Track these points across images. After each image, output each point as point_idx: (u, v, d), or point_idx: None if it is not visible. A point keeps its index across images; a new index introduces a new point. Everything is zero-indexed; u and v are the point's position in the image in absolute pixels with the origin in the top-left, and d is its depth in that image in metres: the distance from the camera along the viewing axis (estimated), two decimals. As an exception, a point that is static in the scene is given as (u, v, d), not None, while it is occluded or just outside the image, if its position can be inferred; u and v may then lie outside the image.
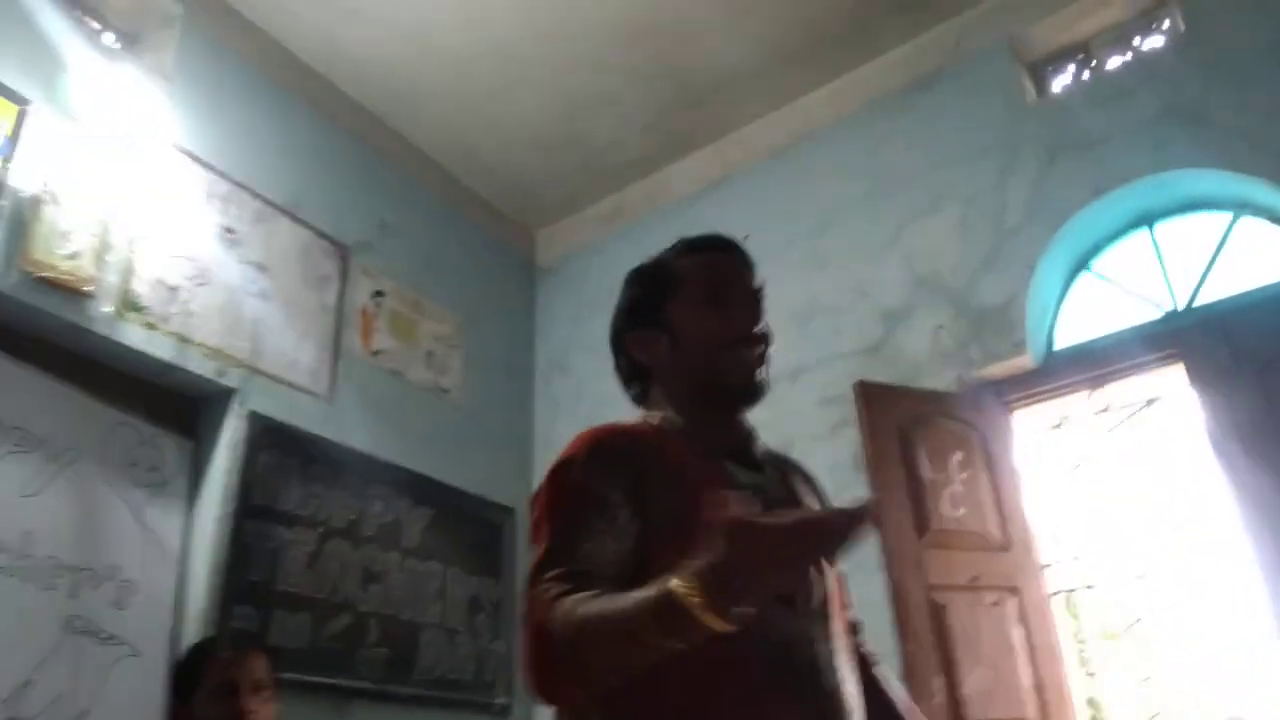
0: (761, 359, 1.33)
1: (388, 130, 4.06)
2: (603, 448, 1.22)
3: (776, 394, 3.77)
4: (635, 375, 1.41)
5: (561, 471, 1.21)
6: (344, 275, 3.65)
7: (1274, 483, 2.64)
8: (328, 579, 3.13)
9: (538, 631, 1.02)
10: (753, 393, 1.32)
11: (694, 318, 1.33)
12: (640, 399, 1.41)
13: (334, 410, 3.40)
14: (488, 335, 4.31)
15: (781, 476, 1.37)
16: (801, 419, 3.51)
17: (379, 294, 3.79)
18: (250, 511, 2.96)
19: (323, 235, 3.61)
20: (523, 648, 1.05)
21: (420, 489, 3.59)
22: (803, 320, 3.70)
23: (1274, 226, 3.03)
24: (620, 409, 1.44)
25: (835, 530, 0.91)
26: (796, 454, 3.50)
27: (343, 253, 3.68)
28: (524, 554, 3.93)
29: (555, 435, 4.24)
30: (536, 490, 1.24)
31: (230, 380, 3.08)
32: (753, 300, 1.38)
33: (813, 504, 1.37)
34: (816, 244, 3.83)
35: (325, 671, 3.00)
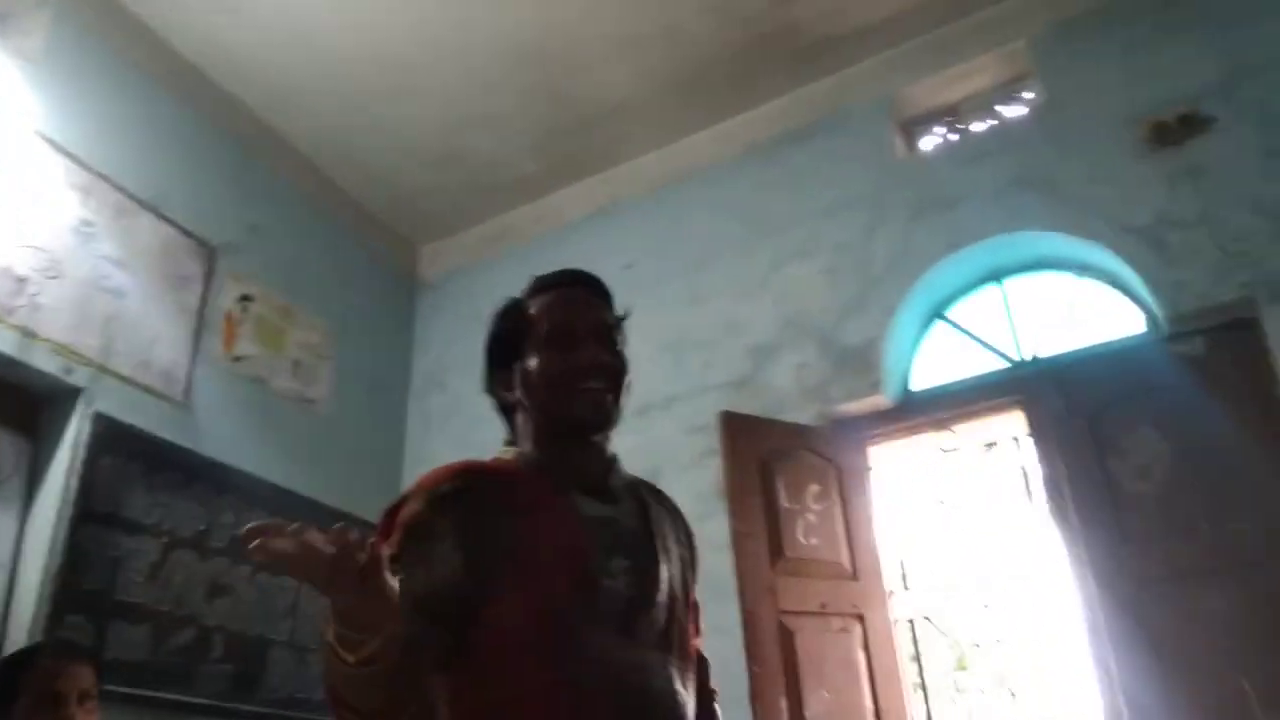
0: (606, 391, 1.35)
1: (264, 130, 3.96)
2: (436, 482, 1.26)
3: (648, 421, 3.86)
4: (504, 410, 1.43)
5: (400, 507, 1.24)
6: (208, 277, 3.53)
7: (1094, 521, 2.86)
8: (171, 591, 3.00)
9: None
10: (597, 423, 1.34)
11: (538, 358, 1.35)
12: (511, 433, 1.42)
13: (188, 415, 3.28)
14: (361, 347, 4.23)
15: (640, 508, 1.38)
16: (670, 447, 3.58)
17: (246, 298, 3.68)
18: (89, 517, 2.82)
19: (187, 234, 3.49)
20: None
21: (277, 501, 3.48)
22: (676, 352, 3.79)
23: (1110, 289, 3.29)
24: (496, 428, 1.46)
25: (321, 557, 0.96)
26: (664, 480, 3.54)
27: (208, 253, 3.56)
28: (383, 572, 3.86)
29: (428, 452, 4.18)
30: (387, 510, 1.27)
31: (77, 379, 2.94)
32: (599, 334, 1.39)
33: (670, 536, 1.39)
34: (693, 279, 3.93)
35: (165, 686, 2.89)
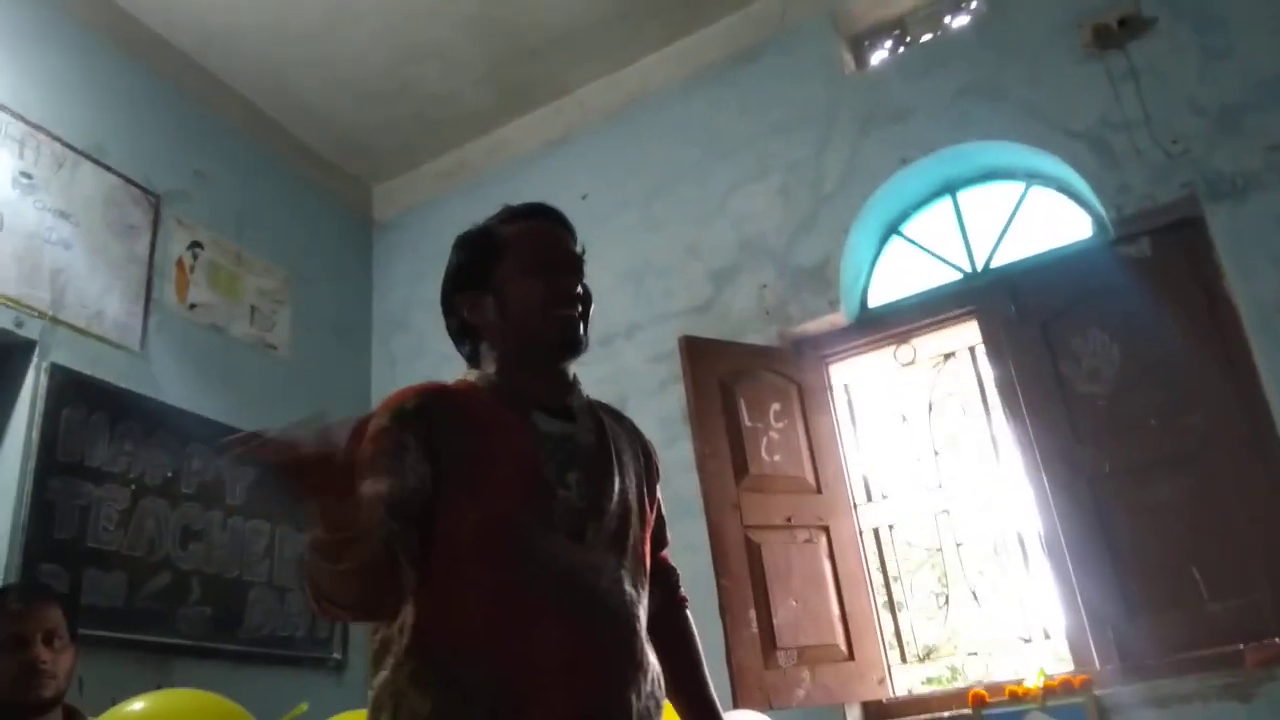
0: (580, 318, 1.43)
1: (203, 74, 3.86)
2: (400, 401, 1.32)
3: (612, 350, 3.90)
4: (464, 334, 1.48)
5: (366, 425, 1.29)
6: (155, 225, 3.47)
7: (1048, 423, 2.94)
8: (143, 537, 3.01)
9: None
10: (570, 348, 1.42)
11: (518, 283, 1.41)
12: (471, 358, 1.48)
13: (146, 364, 3.25)
14: (319, 291, 4.20)
15: (598, 425, 1.45)
16: (635, 375, 3.62)
17: (196, 245, 3.63)
18: (54, 468, 2.81)
19: (131, 182, 3.42)
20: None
21: (244, 447, 3.48)
22: (636, 280, 3.80)
23: (1060, 196, 3.33)
24: (459, 366, 1.50)
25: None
26: (630, 408, 3.59)
27: (154, 201, 3.49)
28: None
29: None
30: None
31: (29, 331, 2.90)
32: (573, 265, 1.47)
33: (626, 452, 1.46)
34: (650, 206, 3.93)
35: (144, 629, 2.92)
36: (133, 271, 3.33)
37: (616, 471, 1.42)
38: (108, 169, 3.34)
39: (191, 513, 3.21)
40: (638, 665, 1.30)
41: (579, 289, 1.44)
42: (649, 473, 1.50)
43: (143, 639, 2.91)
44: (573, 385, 1.46)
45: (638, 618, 1.33)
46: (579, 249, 1.50)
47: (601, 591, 1.29)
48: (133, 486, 3.02)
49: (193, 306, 3.54)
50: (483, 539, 1.25)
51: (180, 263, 3.54)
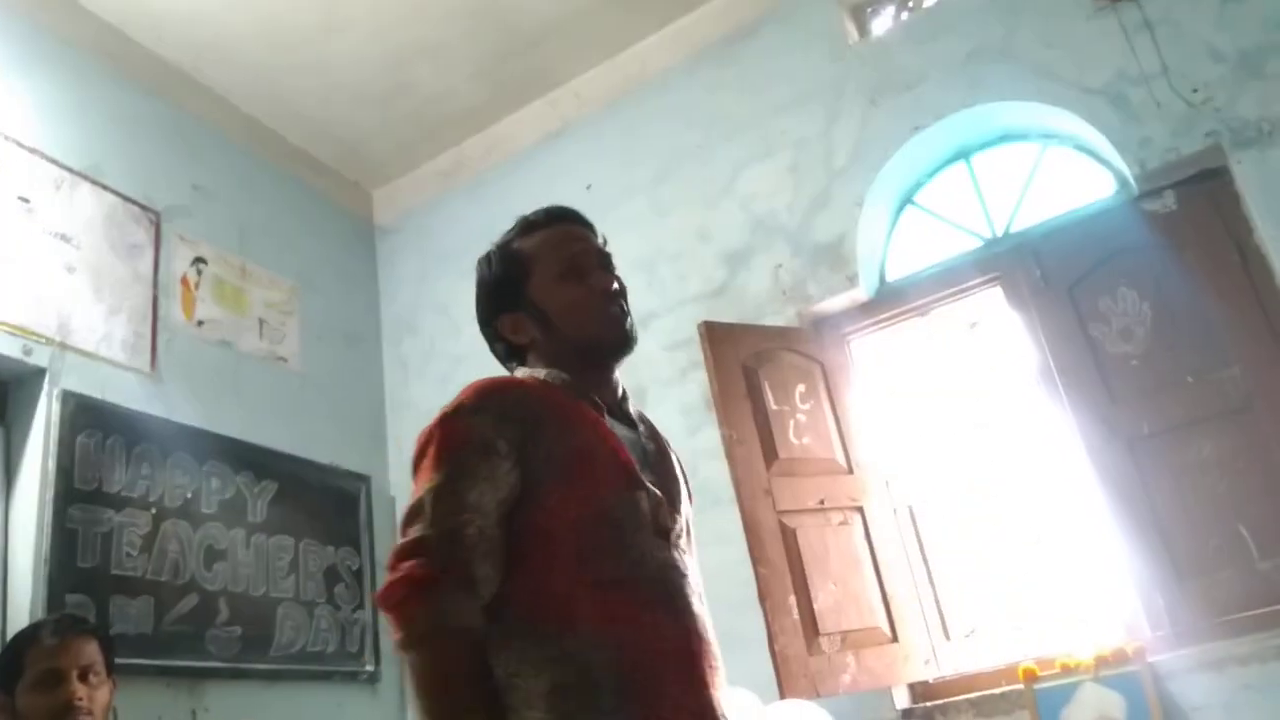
0: (625, 311, 1.43)
1: (195, 87, 3.79)
2: (494, 397, 1.30)
3: (627, 341, 3.79)
4: (511, 357, 1.47)
5: (453, 417, 1.28)
6: (158, 242, 3.41)
7: (1081, 387, 2.87)
8: (168, 561, 2.96)
9: (417, 587, 1.15)
10: (626, 343, 1.42)
11: (556, 292, 1.40)
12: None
13: (158, 385, 3.20)
14: (326, 299, 4.14)
15: (652, 434, 1.46)
16: (653, 365, 3.56)
17: (200, 261, 3.57)
18: (74, 496, 2.76)
19: (130, 201, 3.36)
20: (394, 572, 1.17)
21: (263, 462, 3.44)
22: (648, 268, 3.73)
23: (1078, 154, 3.25)
24: (474, 367, 1.48)
25: None
26: (651, 398, 3.54)
27: (154, 219, 3.43)
28: (383, 520, 3.85)
29: (408, 398, 4.14)
30: (425, 431, 1.31)
31: (38, 359, 2.85)
32: (603, 260, 1.46)
33: (678, 468, 1.47)
34: (657, 192, 3.86)
35: (174, 654, 2.87)
36: (138, 291, 3.27)
37: (679, 479, 1.44)
38: (106, 189, 3.28)
39: (214, 533, 3.16)
40: (719, 670, 1.30)
41: (617, 282, 1.43)
42: (689, 484, 1.51)
43: (174, 664, 2.86)
44: (626, 392, 1.46)
45: (709, 621, 1.33)
46: (603, 242, 1.49)
47: (689, 592, 1.30)
48: (153, 510, 2.97)
49: (200, 323, 3.48)
50: (584, 534, 1.24)
51: (185, 280, 3.48)
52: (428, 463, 1.25)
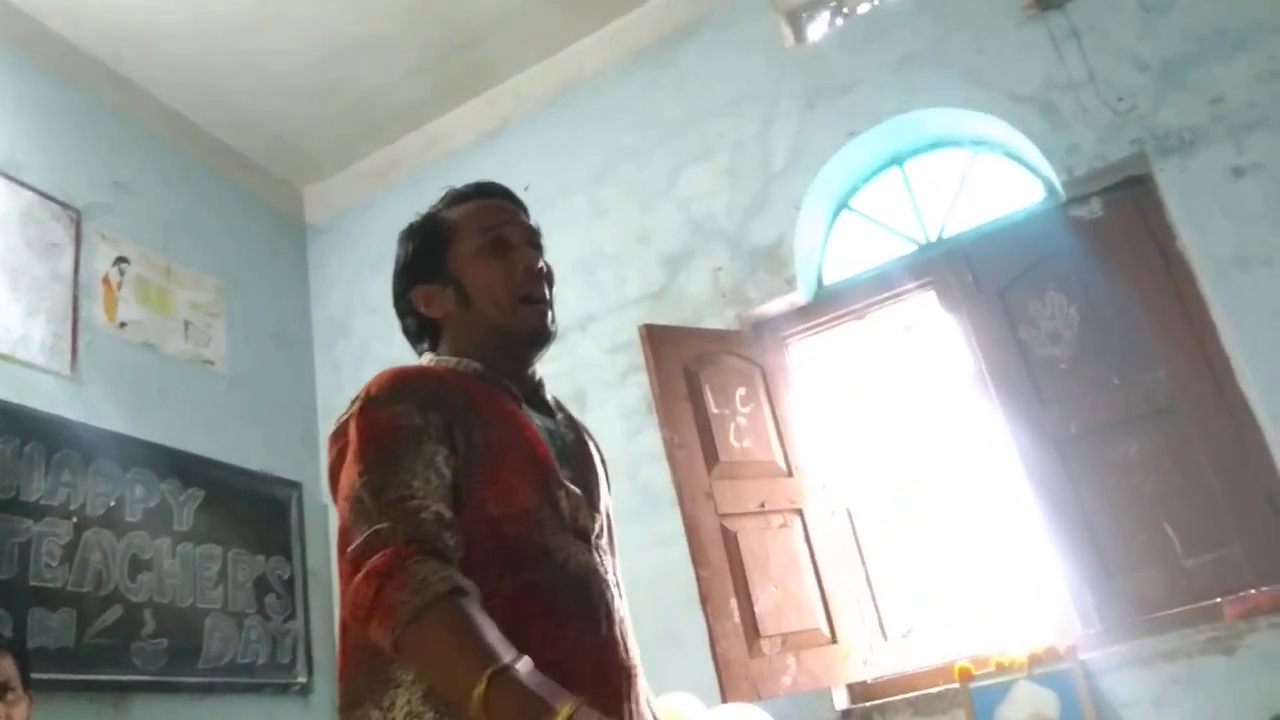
0: (545, 299, 1.35)
1: (118, 80, 3.66)
2: (411, 384, 1.21)
3: (568, 345, 3.80)
4: (423, 332, 1.39)
5: (373, 408, 1.19)
6: (78, 241, 3.28)
7: (1011, 388, 2.94)
8: (90, 571, 2.85)
9: (388, 575, 1.03)
10: (543, 337, 1.34)
11: (476, 266, 1.32)
12: (430, 350, 1.40)
13: (78, 389, 3.07)
14: (255, 300, 4.03)
15: (570, 423, 1.39)
16: (593, 368, 3.54)
17: (122, 260, 3.44)
18: (-12, 506, 2.64)
19: (49, 198, 3.22)
20: (353, 574, 1.06)
21: (189, 469, 3.32)
22: (588, 270, 3.71)
23: (1008, 161, 3.32)
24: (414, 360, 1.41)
25: None
26: (590, 402, 3.50)
27: (75, 216, 3.30)
28: (315, 528, 3.75)
29: (340, 401, 3.96)
30: (338, 428, 1.23)
31: (-52, 362, 2.72)
32: (531, 239, 1.38)
33: (596, 458, 1.40)
34: (595, 193, 3.84)
35: (98, 668, 2.77)
36: (57, 291, 3.14)
37: (599, 471, 1.37)
38: (23, 185, 3.14)
39: (138, 542, 3.04)
40: (637, 677, 1.25)
41: (542, 263, 1.35)
42: (608, 476, 1.44)
43: (98, 678, 2.75)
44: (541, 380, 1.38)
45: (629, 624, 1.27)
46: (534, 223, 1.42)
47: (609, 597, 1.23)
48: (74, 519, 2.85)
49: (123, 325, 3.35)
50: (503, 537, 1.15)
51: (107, 279, 3.35)
52: (354, 458, 1.14)
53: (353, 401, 1.23)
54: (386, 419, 1.16)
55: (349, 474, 1.15)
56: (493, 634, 1.01)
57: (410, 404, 1.17)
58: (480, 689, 0.93)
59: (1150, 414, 2.75)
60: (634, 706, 1.21)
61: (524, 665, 0.98)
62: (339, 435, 1.22)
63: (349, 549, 1.09)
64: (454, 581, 1.03)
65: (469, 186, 1.42)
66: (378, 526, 1.07)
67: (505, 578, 1.13)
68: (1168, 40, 2.93)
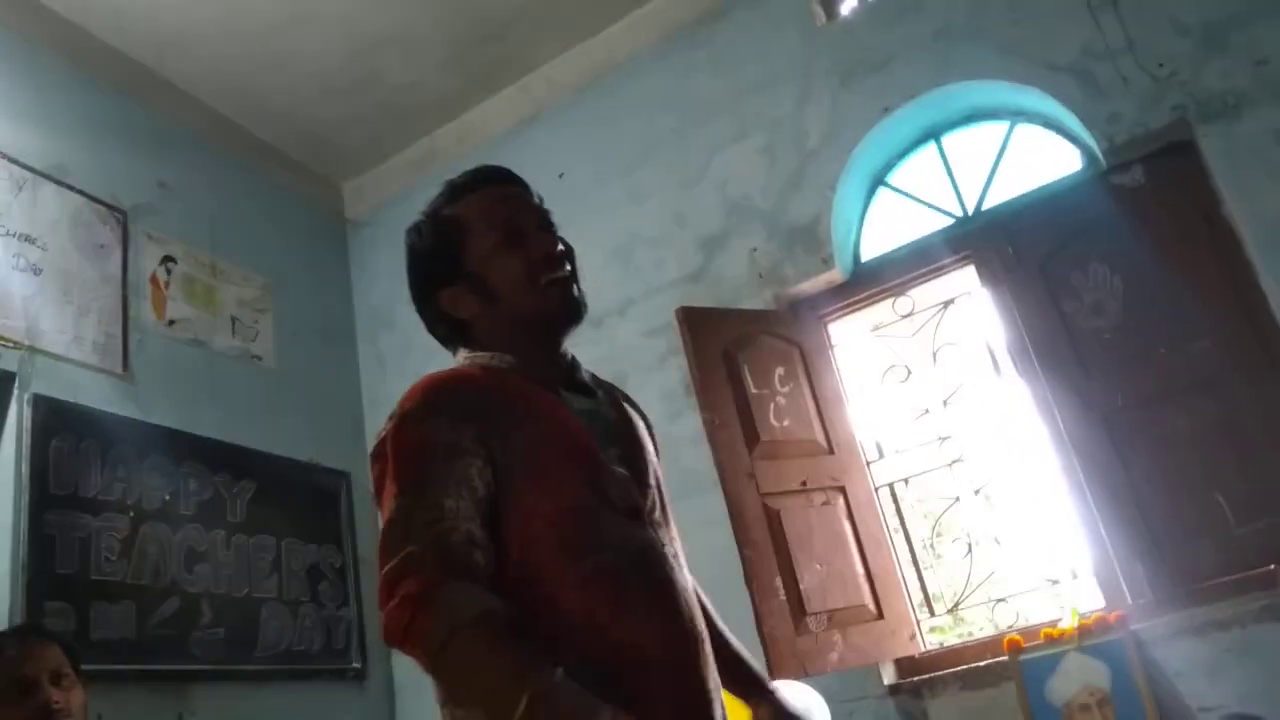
0: (571, 277, 1.33)
1: (159, 82, 3.73)
2: (442, 396, 1.22)
3: (606, 329, 3.82)
4: (453, 334, 1.38)
5: (406, 425, 1.20)
6: (125, 242, 3.36)
7: (1055, 362, 2.91)
8: (148, 564, 2.93)
9: (419, 601, 1.06)
10: (574, 312, 1.33)
11: (496, 261, 1.31)
12: (465, 351, 1.39)
13: (131, 387, 3.16)
14: (300, 296, 4.10)
15: (612, 400, 1.39)
16: (632, 351, 3.56)
17: (169, 260, 3.52)
18: (49, 502, 2.72)
19: (96, 200, 3.30)
20: (388, 597, 1.09)
21: (240, 462, 3.40)
22: (624, 255, 3.72)
23: (1046, 132, 3.27)
24: (451, 360, 1.41)
25: None
26: (630, 385, 3.52)
27: (121, 218, 3.38)
28: (365, 516, 3.82)
29: (385, 393, 4.10)
30: (377, 447, 1.23)
31: (7, 363, 2.80)
32: (543, 220, 1.36)
33: (643, 427, 1.40)
34: (631, 178, 3.84)
35: (158, 659, 2.84)
36: (107, 292, 3.22)
37: (645, 443, 1.37)
38: (70, 188, 3.22)
39: (193, 534, 3.12)
40: (705, 641, 1.26)
41: (559, 244, 1.33)
42: (655, 442, 1.45)
43: (158, 668, 2.83)
44: (575, 359, 1.38)
45: (696, 593, 1.30)
46: (539, 200, 1.39)
47: (671, 569, 1.25)
48: (131, 513, 2.93)
49: (172, 323, 3.43)
50: (559, 529, 1.17)
51: (154, 279, 3.43)
52: (390, 479, 1.17)
53: (390, 417, 1.24)
54: (418, 439, 1.17)
55: (386, 495, 1.17)
56: (524, 652, 1.05)
57: (442, 418, 1.18)
58: (520, 711, 0.99)
59: (1197, 384, 2.70)
60: (706, 673, 1.23)
61: (559, 678, 1.03)
62: (378, 456, 1.23)
63: (383, 570, 1.12)
64: (483, 605, 1.06)
65: (467, 176, 1.39)
66: (410, 549, 1.10)
67: (570, 569, 1.16)
68: (1208, 3, 2.87)
